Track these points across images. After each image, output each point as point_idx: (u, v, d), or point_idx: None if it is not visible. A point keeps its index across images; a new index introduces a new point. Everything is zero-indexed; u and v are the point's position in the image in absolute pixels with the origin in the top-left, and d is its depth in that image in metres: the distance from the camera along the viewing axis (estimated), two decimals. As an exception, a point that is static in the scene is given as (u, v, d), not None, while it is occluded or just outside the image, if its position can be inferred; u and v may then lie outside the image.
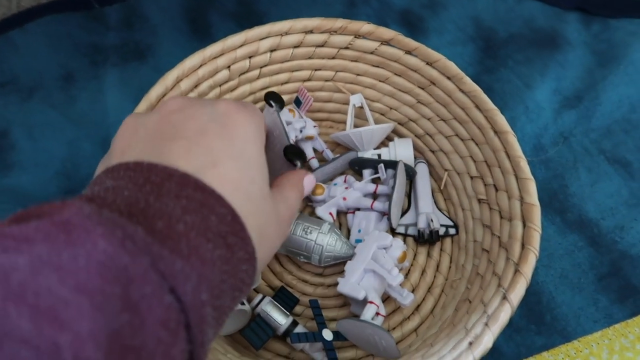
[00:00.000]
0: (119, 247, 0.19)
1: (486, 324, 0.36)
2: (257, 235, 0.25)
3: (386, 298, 0.49)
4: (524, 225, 0.41)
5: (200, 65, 0.49)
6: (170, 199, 0.22)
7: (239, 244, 0.23)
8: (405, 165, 0.52)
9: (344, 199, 0.52)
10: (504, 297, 0.37)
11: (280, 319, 0.45)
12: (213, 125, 0.26)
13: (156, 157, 0.24)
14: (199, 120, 0.26)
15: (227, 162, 0.25)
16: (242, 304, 0.45)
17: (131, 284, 0.18)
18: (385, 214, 0.52)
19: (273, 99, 0.43)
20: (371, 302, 0.44)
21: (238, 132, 0.27)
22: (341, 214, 0.55)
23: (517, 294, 0.37)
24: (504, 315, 0.36)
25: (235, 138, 0.27)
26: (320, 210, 0.52)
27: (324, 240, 0.48)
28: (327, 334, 0.44)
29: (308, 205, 0.55)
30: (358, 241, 0.50)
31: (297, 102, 0.57)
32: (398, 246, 0.47)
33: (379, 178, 0.53)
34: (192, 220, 0.22)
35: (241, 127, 0.27)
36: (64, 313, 0.15)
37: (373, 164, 0.54)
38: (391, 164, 0.52)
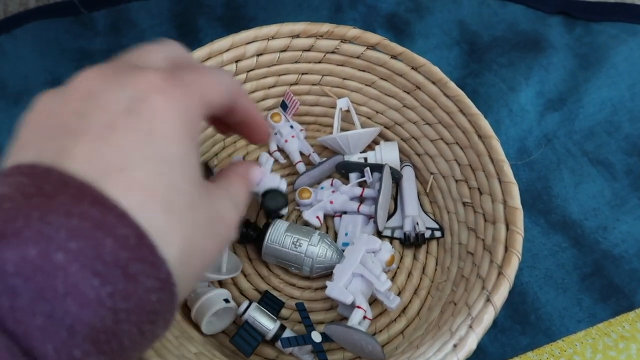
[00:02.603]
0: None
1: (470, 326, 0.37)
2: (182, 251, 0.21)
3: (373, 300, 0.49)
4: (507, 228, 0.42)
5: (187, 71, 0.49)
6: (58, 218, 0.18)
7: (146, 271, 0.19)
8: (391, 168, 0.53)
9: (331, 202, 0.53)
10: (488, 300, 0.38)
11: (268, 324, 0.45)
12: (125, 117, 0.21)
13: (56, 157, 0.20)
14: (110, 109, 0.21)
15: (140, 164, 0.21)
16: (227, 301, 0.45)
17: None
18: (371, 217, 0.53)
19: None
20: (359, 307, 0.44)
21: (157, 123, 0.21)
22: (328, 217, 0.55)
23: (500, 296, 0.38)
24: (487, 317, 0.37)
25: (154, 132, 0.21)
26: (307, 214, 0.53)
27: (314, 252, 0.48)
28: (316, 336, 0.45)
29: (295, 209, 0.56)
30: (345, 244, 0.51)
31: (284, 106, 0.57)
32: (386, 250, 0.48)
33: (365, 181, 0.54)
34: (78, 248, 0.18)
35: (161, 118, 0.22)
36: None
37: (359, 167, 0.54)
38: (377, 168, 0.53)
